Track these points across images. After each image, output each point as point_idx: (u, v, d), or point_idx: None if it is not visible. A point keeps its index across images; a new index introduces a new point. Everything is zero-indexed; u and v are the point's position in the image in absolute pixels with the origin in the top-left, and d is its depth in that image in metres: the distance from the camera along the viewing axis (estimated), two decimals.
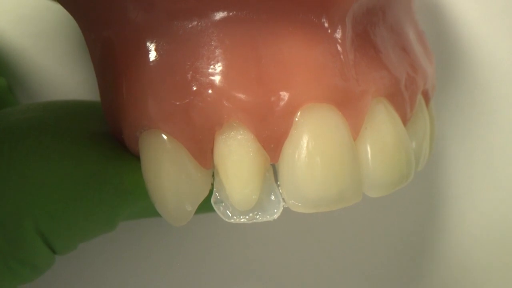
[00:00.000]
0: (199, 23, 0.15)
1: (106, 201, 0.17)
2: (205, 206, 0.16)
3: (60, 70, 0.24)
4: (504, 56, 0.24)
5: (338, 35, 0.15)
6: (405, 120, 0.17)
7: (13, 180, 0.15)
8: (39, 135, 0.16)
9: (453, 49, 0.24)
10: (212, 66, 0.15)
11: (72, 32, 0.24)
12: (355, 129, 0.16)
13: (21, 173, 0.16)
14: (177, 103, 0.15)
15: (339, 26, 0.15)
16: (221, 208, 0.16)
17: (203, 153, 0.16)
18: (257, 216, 0.16)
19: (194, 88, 0.15)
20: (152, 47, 0.15)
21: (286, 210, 0.16)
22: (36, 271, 0.17)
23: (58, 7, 0.23)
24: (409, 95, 0.17)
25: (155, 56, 0.15)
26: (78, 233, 0.17)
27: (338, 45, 0.15)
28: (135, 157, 0.17)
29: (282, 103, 0.15)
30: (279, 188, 0.16)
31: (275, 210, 0.16)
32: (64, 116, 0.17)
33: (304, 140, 0.15)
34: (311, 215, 0.22)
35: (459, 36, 0.24)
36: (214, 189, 0.16)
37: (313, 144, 0.15)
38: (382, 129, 0.16)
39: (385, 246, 0.24)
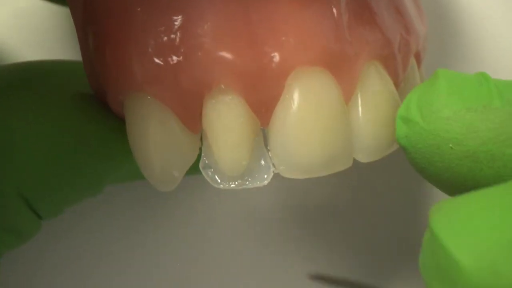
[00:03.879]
0: None
1: (90, 165, 0.16)
2: (192, 168, 0.16)
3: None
4: (497, 19, 0.23)
5: None
6: (397, 83, 0.17)
7: None
8: (20, 95, 0.16)
9: (445, 10, 0.24)
10: (201, 28, 0.14)
11: (66, 27, 0.24)
12: (347, 92, 0.16)
13: (3, 134, 0.15)
14: (165, 65, 0.14)
15: None
16: (210, 173, 0.16)
17: (191, 117, 0.15)
18: (247, 182, 0.15)
19: (182, 50, 0.14)
20: (137, 5, 0.14)
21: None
22: (22, 237, 0.16)
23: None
24: (402, 57, 0.17)
25: (141, 16, 0.14)
26: (62, 197, 0.16)
27: (332, 6, 0.15)
28: (120, 119, 0.17)
29: (273, 66, 0.14)
30: (269, 153, 0.16)
31: (265, 176, 0.15)
32: (45, 77, 0.17)
33: (296, 104, 0.15)
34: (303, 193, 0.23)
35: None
36: (202, 154, 0.16)
37: (305, 108, 0.15)
38: (374, 92, 0.16)
39: (377, 219, 0.23)
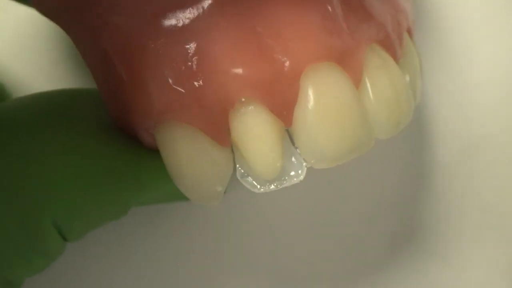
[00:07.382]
0: (191, 12, 0.15)
1: (120, 193, 0.17)
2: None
3: (52, 78, 0.24)
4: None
5: None
6: (396, 59, 0.18)
7: (32, 176, 0.16)
8: (55, 130, 0.16)
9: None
10: (213, 50, 0.15)
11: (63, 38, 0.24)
12: (356, 79, 0.17)
13: (40, 169, 0.16)
14: (186, 92, 0.15)
15: None
16: (248, 181, 0.17)
17: (220, 133, 0.16)
18: (285, 182, 0.16)
19: (200, 75, 0.15)
20: (149, 45, 0.15)
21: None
22: (49, 261, 0.17)
23: None
24: (396, 35, 0.18)
25: (155, 53, 0.15)
26: (91, 222, 0.17)
27: (327, 3, 0.16)
28: (148, 148, 0.18)
29: (285, 70, 0.15)
30: (297, 150, 0.17)
31: (300, 171, 0.16)
32: (74, 108, 0.18)
33: (313, 101, 0.16)
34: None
35: None
36: (237, 165, 0.17)
37: (322, 103, 0.16)
38: (379, 73, 0.17)
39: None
